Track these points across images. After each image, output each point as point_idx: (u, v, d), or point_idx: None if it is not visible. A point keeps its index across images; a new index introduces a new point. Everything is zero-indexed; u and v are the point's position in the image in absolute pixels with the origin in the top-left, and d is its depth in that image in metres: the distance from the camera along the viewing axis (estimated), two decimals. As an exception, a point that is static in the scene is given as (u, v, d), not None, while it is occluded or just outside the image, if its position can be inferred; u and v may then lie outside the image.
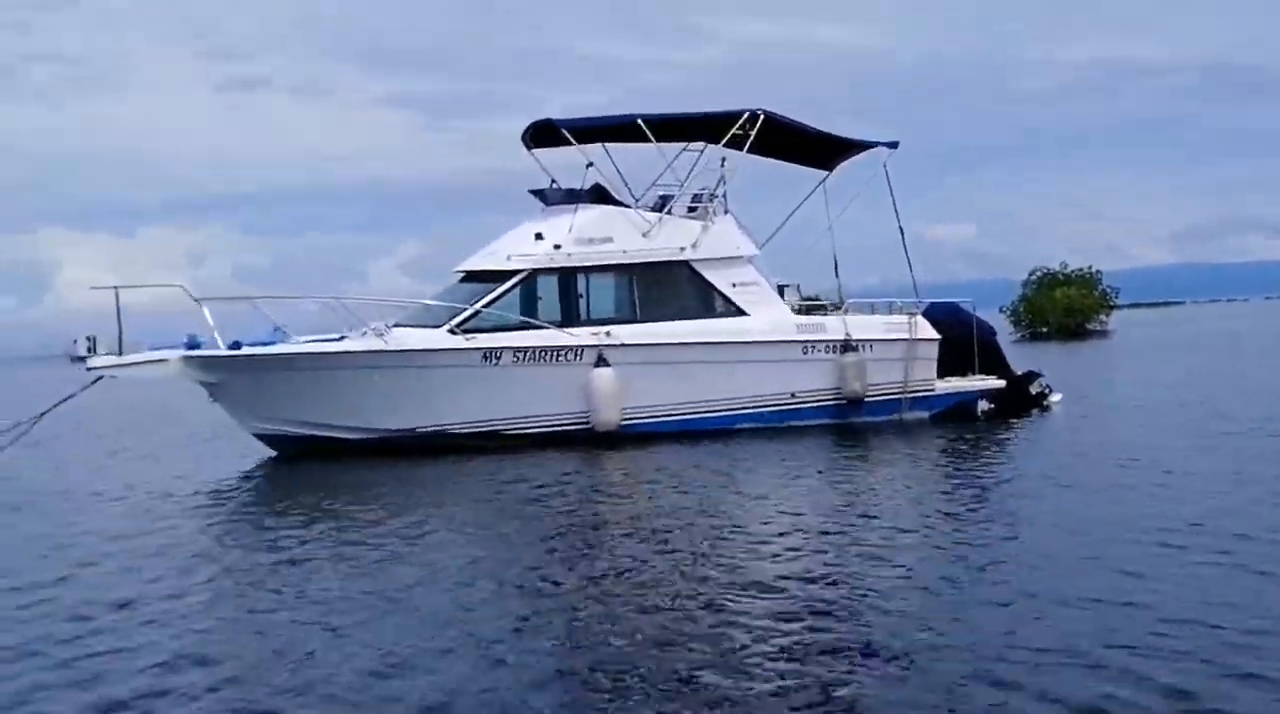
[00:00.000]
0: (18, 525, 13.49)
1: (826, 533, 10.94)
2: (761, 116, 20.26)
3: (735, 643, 7.36)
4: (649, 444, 18.35)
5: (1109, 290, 67.44)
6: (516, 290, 19.49)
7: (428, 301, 19.98)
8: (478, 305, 19.14)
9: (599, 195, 20.36)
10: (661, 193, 20.92)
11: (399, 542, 11.29)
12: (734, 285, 20.03)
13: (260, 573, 10.16)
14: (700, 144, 21.27)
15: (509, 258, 19.65)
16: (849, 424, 19.79)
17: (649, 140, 20.53)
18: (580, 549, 10.75)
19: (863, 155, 21.74)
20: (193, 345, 18.49)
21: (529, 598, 8.86)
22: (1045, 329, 61.71)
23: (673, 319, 19.72)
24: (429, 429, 18.81)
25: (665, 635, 7.61)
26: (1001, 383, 21.16)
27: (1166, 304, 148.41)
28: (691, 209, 20.51)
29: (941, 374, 20.79)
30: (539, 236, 19.75)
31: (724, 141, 20.56)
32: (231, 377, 18.48)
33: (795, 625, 7.71)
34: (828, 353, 20.01)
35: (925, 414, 20.50)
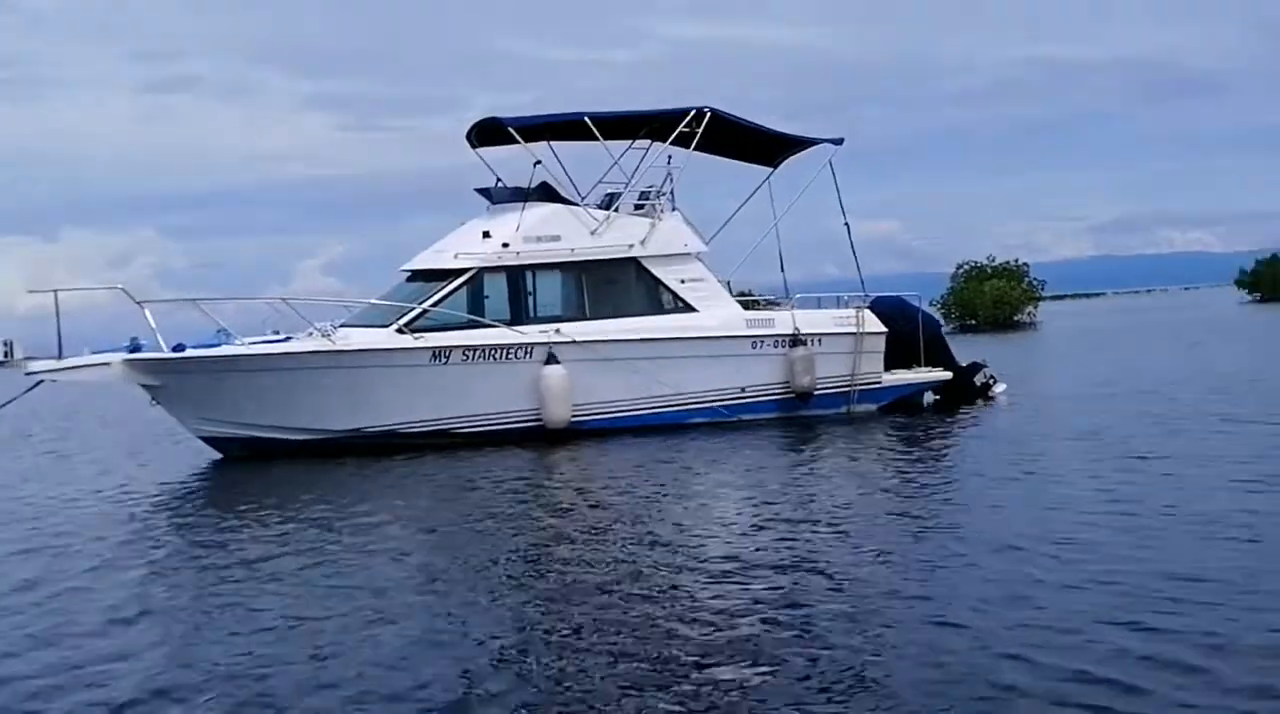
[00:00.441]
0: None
1: (780, 523, 10.95)
2: (708, 114, 20.34)
3: (685, 636, 7.33)
4: (600, 441, 18.38)
5: (1035, 282, 68.57)
6: (464, 289, 19.38)
7: (374, 301, 19.80)
8: (425, 304, 18.99)
9: (546, 193, 20.28)
10: (609, 191, 20.92)
11: (345, 546, 11.09)
12: (682, 281, 20.09)
13: (206, 580, 9.86)
14: (646, 142, 21.29)
15: (456, 256, 19.52)
16: (799, 417, 19.95)
17: (596, 138, 20.51)
18: (533, 548, 10.67)
19: (807, 152, 21.89)
20: (135, 348, 18.14)
21: (478, 597, 8.76)
22: (974, 321, 62.55)
23: (622, 316, 19.73)
24: (377, 429, 18.64)
25: (618, 628, 7.59)
26: (948, 375, 21.46)
27: (1088, 295, 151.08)
28: (639, 207, 20.55)
29: (888, 367, 21.03)
30: (486, 235, 19.64)
31: (671, 139, 20.61)
32: (175, 379, 18.16)
33: (751, 616, 7.70)
34: (777, 347, 20.14)
35: (873, 406, 20.73)
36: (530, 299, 19.80)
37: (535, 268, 19.73)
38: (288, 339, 18.84)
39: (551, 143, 21.06)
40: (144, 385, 18.38)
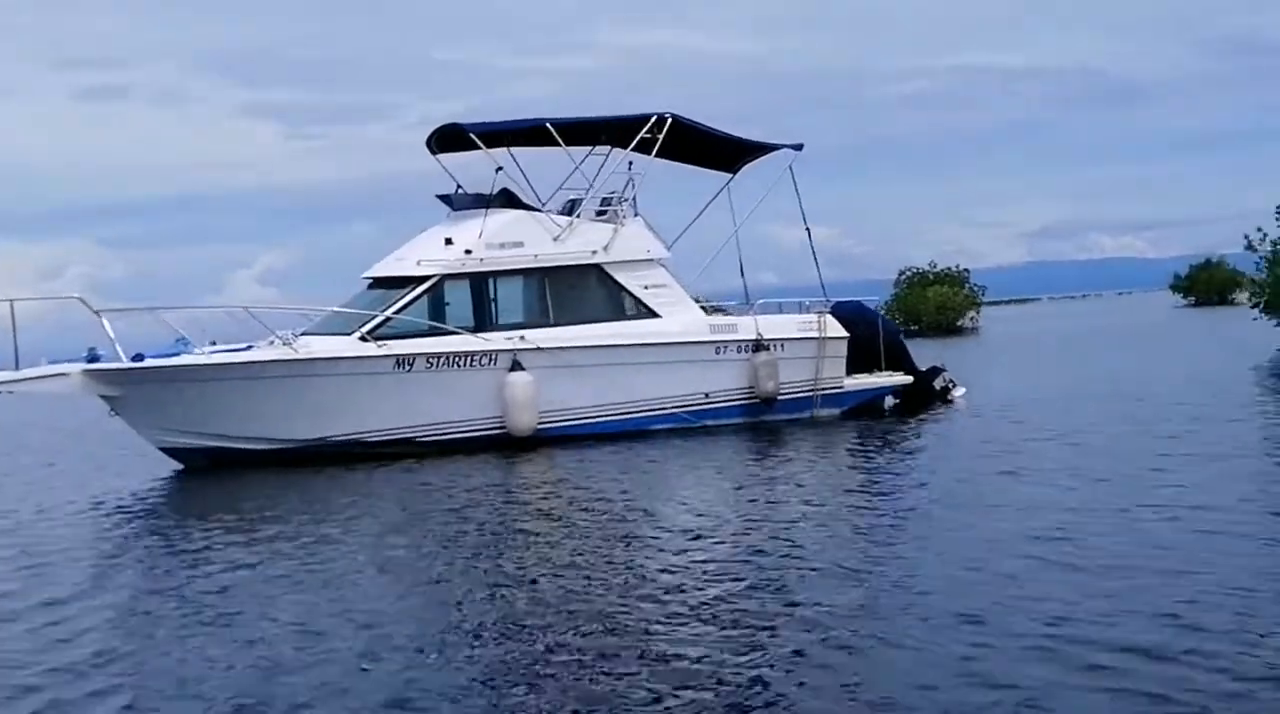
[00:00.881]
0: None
1: (746, 531, 10.99)
2: (669, 120, 20.39)
3: (650, 644, 7.35)
4: (565, 447, 18.36)
5: (975, 288, 69.29)
6: (426, 296, 19.25)
7: (336, 308, 19.63)
8: (388, 312, 18.86)
9: (508, 199, 20.24)
10: (570, 197, 20.88)
11: (309, 556, 11.05)
12: (646, 287, 20.10)
13: (168, 597, 9.73)
14: (606, 148, 21.28)
15: (419, 263, 19.41)
16: (763, 422, 20.02)
17: (557, 144, 20.47)
18: (499, 556, 10.64)
19: (767, 157, 21.98)
20: (93, 358, 17.84)
21: (444, 607, 8.78)
22: (917, 327, 63.09)
23: (585, 322, 19.70)
24: (341, 438, 18.46)
25: (586, 636, 7.63)
26: (909, 379, 21.64)
27: (1023, 301, 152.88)
28: (600, 212, 20.54)
29: (849, 371, 21.16)
30: (449, 241, 19.54)
31: (632, 145, 20.62)
32: (135, 389, 17.89)
33: (714, 623, 7.75)
34: (740, 353, 20.20)
35: (836, 411, 20.85)
36: (493, 306, 19.70)
37: (498, 274, 19.65)
38: (249, 347, 18.63)
39: (511, 149, 21.01)
40: (103, 396, 18.08)
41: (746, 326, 20.41)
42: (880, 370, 21.59)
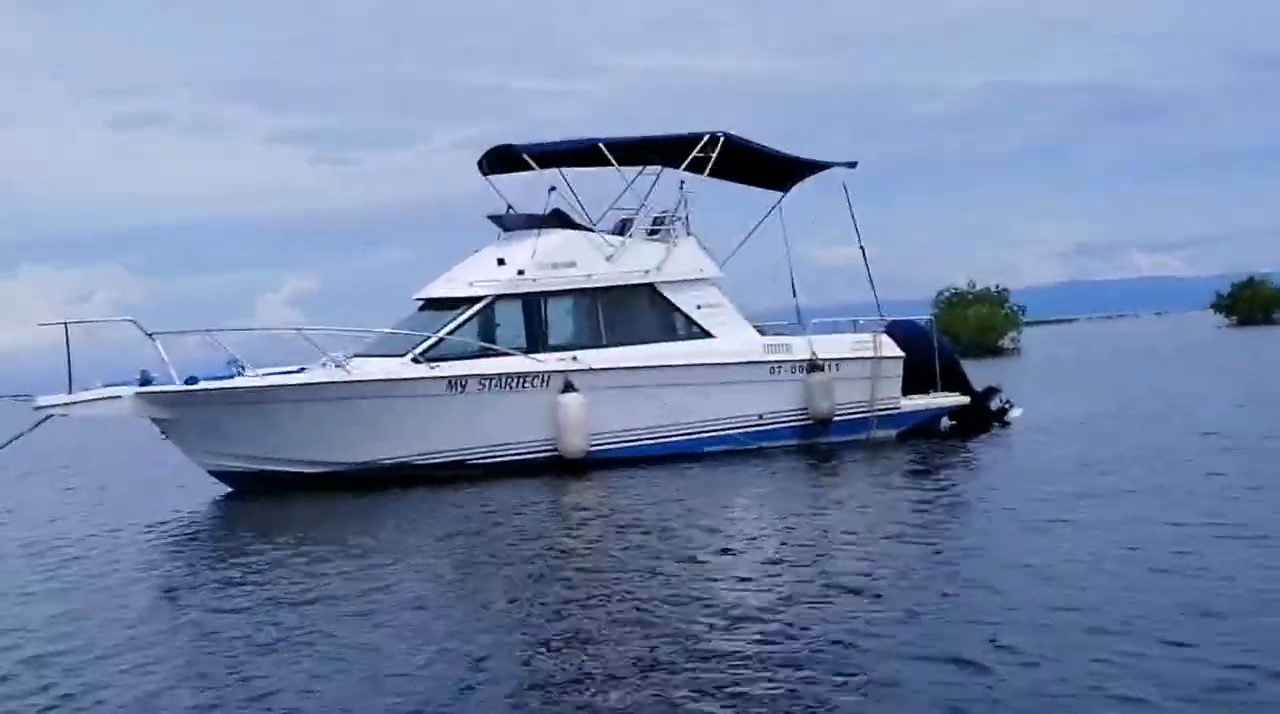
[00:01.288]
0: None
1: (803, 560, 10.58)
2: (722, 139, 20.18)
3: (704, 671, 7.16)
4: (618, 470, 18.07)
5: (1014, 308, 68.68)
6: (477, 317, 19.09)
7: (387, 330, 19.49)
8: (441, 333, 18.69)
9: (560, 219, 20.09)
10: (621, 217, 20.70)
11: (363, 580, 10.86)
12: (699, 307, 19.86)
13: (220, 620, 9.62)
14: (657, 168, 21.08)
15: (471, 284, 19.26)
16: (817, 444, 19.70)
17: (609, 164, 20.31)
18: (553, 582, 10.32)
19: (819, 176, 21.71)
20: (146, 381, 17.78)
21: (497, 633, 8.57)
22: (959, 347, 62.51)
23: (638, 342, 19.48)
24: (392, 461, 18.28)
25: (638, 662, 7.46)
26: (966, 399, 21.27)
27: (1059, 322, 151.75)
28: (653, 232, 20.34)
29: (904, 392, 20.81)
30: (501, 262, 19.39)
31: (684, 165, 20.42)
32: (187, 412, 17.80)
33: (772, 653, 7.49)
34: (795, 373, 19.90)
35: (893, 432, 20.49)
36: (545, 326, 19.49)
37: (551, 295, 19.44)
38: (302, 370, 18.52)
39: (562, 169, 20.87)
40: (155, 419, 18.00)
41: (801, 346, 20.12)
42: (936, 390, 21.23)
